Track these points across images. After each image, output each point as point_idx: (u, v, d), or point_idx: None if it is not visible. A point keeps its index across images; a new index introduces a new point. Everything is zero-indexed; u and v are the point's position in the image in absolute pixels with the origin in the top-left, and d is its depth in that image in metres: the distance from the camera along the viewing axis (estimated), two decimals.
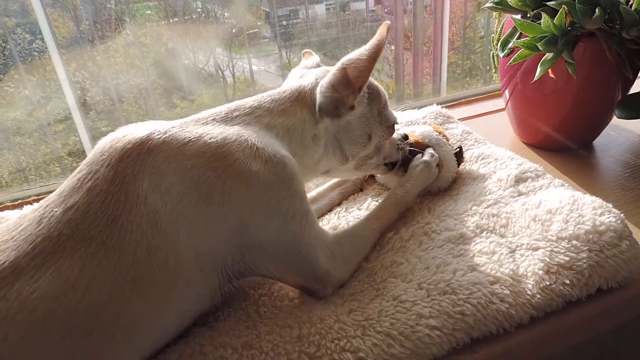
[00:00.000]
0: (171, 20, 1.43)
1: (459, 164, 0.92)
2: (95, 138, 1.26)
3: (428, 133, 0.90)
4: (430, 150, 0.87)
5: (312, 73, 0.75)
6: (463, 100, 1.48)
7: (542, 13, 0.80)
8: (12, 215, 0.89)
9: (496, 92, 1.52)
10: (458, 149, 0.91)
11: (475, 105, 1.45)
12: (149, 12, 1.42)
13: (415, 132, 0.91)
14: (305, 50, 0.85)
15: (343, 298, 0.66)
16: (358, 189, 0.95)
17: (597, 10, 0.78)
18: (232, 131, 0.62)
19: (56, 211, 0.52)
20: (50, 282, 0.49)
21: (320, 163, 0.76)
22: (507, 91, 1.14)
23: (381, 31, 0.67)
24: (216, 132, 0.61)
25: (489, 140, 1.08)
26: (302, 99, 0.71)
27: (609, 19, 0.84)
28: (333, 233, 0.72)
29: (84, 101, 1.31)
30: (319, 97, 0.70)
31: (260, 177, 0.60)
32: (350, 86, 0.69)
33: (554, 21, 0.80)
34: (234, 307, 0.65)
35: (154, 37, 1.43)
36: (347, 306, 0.64)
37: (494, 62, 1.22)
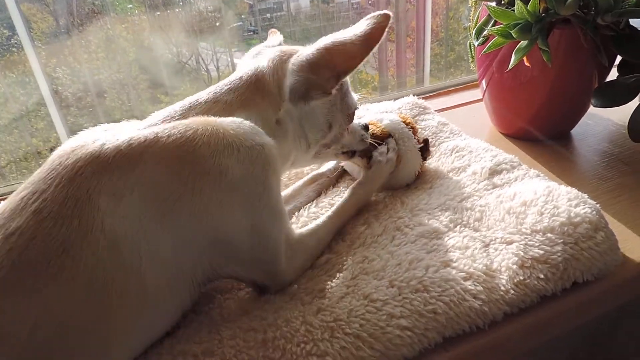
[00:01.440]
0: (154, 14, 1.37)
1: (425, 158, 0.89)
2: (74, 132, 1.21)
3: (395, 124, 0.87)
4: (392, 144, 0.85)
5: (267, 53, 0.69)
6: (442, 91, 1.46)
7: (516, 1, 0.78)
8: None
9: (475, 83, 1.50)
10: (423, 143, 0.88)
11: (454, 96, 1.43)
12: (130, 5, 1.37)
13: (383, 122, 0.88)
14: (272, 29, 0.80)
15: (311, 295, 0.63)
16: (333, 183, 0.92)
17: None
18: (196, 122, 0.56)
19: None
20: None
21: (290, 154, 0.71)
22: (483, 81, 1.11)
23: (379, 20, 0.62)
24: (175, 131, 0.54)
25: (466, 131, 1.06)
26: (260, 82, 0.65)
27: (584, 5, 0.82)
28: (298, 232, 0.69)
29: (64, 97, 1.27)
30: (290, 77, 0.65)
31: (232, 173, 0.55)
32: (333, 70, 0.64)
33: (528, 7, 0.78)
34: (197, 312, 0.62)
35: (135, 31, 1.38)
36: (315, 305, 0.61)
37: (471, 52, 1.20)
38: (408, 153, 0.84)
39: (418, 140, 0.88)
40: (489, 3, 0.94)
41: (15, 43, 1.16)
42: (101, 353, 0.49)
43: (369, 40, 0.62)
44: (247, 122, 0.60)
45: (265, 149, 0.58)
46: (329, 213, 0.75)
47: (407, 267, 0.64)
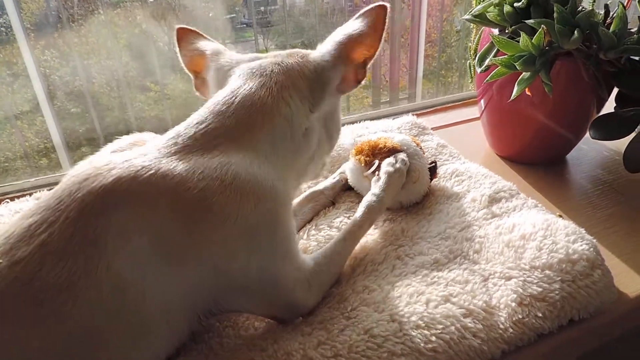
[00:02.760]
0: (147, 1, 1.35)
1: (431, 179, 0.90)
2: (63, 119, 1.19)
3: (407, 142, 0.88)
4: (401, 155, 0.85)
5: (269, 58, 0.67)
6: (439, 107, 1.46)
7: (521, 32, 0.78)
8: None
9: (472, 100, 1.51)
10: (433, 164, 0.90)
11: (451, 113, 1.44)
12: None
13: (394, 139, 0.88)
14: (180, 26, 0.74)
15: (312, 326, 0.63)
16: (330, 202, 0.92)
17: (575, 32, 0.76)
18: (213, 167, 0.53)
19: (0, 262, 0.45)
20: None
21: (311, 164, 0.70)
22: (482, 101, 1.12)
23: (377, 11, 0.64)
24: (194, 171, 0.52)
25: (463, 151, 1.07)
26: (289, 86, 0.63)
27: (587, 39, 0.83)
28: (311, 259, 0.67)
29: (51, 80, 1.25)
30: (326, 72, 0.65)
31: (247, 221, 0.54)
32: (353, 61, 0.67)
33: (533, 40, 0.78)
34: (196, 341, 0.62)
35: (127, 17, 1.36)
36: (315, 337, 0.61)
37: (470, 72, 1.21)
38: (420, 170, 0.85)
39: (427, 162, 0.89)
40: (494, 31, 0.94)
41: (4, 23, 1.14)
42: None
43: (377, 30, 0.64)
44: (257, 167, 0.57)
45: (278, 189, 0.58)
46: (343, 234, 0.73)
47: (407, 301, 0.64)
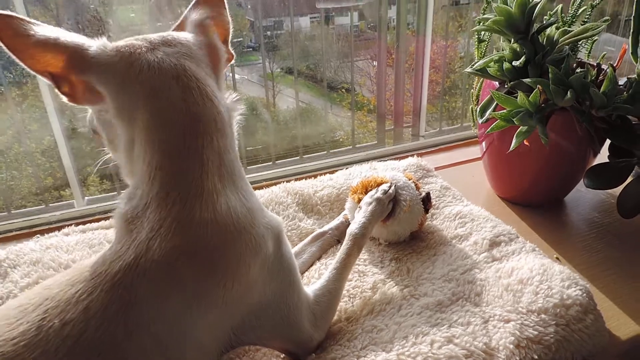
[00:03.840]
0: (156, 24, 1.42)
1: (427, 210, 0.96)
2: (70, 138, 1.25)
3: (397, 176, 0.97)
4: (383, 187, 0.92)
5: (162, 51, 0.59)
6: (442, 147, 1.53)
7: (519, 91, 0.86)
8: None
9: (475, 140, 1.58)
10: (425, 194, 0.96)
11: (454, 152, 1.51)
12: (132, 15, 1.41)
13: (386, 176, 0.97)
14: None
15: None
16: (336, 241, 0.98)
17: (569, 92, 0.83)
18: (224, 215, 0.58)
19: (55, 322, 0.50)
20: None
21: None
22: (484, 144, 1.19)
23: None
24: (201, 236, 0.56)
25: (466, 191, 1.13)
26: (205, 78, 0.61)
27: (580, 96, 0.90)
28: (311, 291, 0.74)
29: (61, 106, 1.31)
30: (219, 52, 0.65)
31: (265, 260, 0.62)
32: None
33: (530, 98, 0.85)
34: None
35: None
36: None
37: (473, 117, 1.28)
38: (411, 200, 0.92)
39: (420, 193, 0.95)
40: (495, 83, 1.02)
41: None
42: None
43: (221, 10, 0.66)
44: (251, 213, 0.62)
45: (274, 228, 0.65)
46: (335, 267, 0.79)
47: (413, 341, 0.69)
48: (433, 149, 1.53)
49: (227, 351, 0.64)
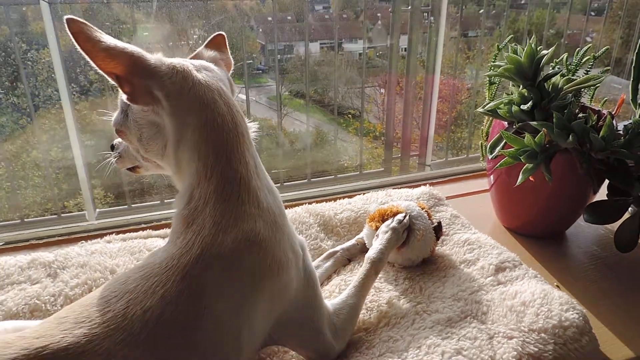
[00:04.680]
0: (168, 44, 1.51)
1: (438, 238, 1.05)
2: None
3: (411, 206, 1.05)
4: (398, 216, 1.01)
5: (205, 75, 0.73)
6: (452, 178, 1.63)
7: (526, 132, 0.96)
8: None
9: (481, 172, 1.68)
10: (437, 224, 1.05)
11: (463, 184, 1.61)
12: (146, 33, 1.51)
13: (401, 205, 1.05)
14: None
15: None
16: (346, 260, 1.08)
17: (571, 136, 0.93)
18: (265, 211, 0.69)
19: (137, 310, 0.59)
20: None
21: None
22: (492, 177, 1.29)
23: (218, 38, 0.83)
24: (254, 229, 0.67)
25: (473, 221, 1.22)
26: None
27: (582, 139, 1.00)
28: (331, 305, 0.83)
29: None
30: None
31: (298, 259, 0.74)
32: None
33: (535, 139, 0.95)
34: None
35: None
36: None
37: (482, 151, 1.38)
38: (424, 229, 1.01)
39: (432, 222, 1.04)
40: (504, 123, 1.12)
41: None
42: None
43: (224, 51, 0.83)
44: (282, 214, 0.74)
45: (299, 239, 0.78)
46: (355, 286, 0.88)
47: (426, 351, 0.78)
48: (441, 179, 1.62)
49: (262, 348, 0.73)
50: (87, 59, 0.64)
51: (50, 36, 1.23)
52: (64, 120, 1.29)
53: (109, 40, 0.64)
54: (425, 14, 1.75)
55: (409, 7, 1.72)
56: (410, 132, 1.99)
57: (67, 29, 0.63)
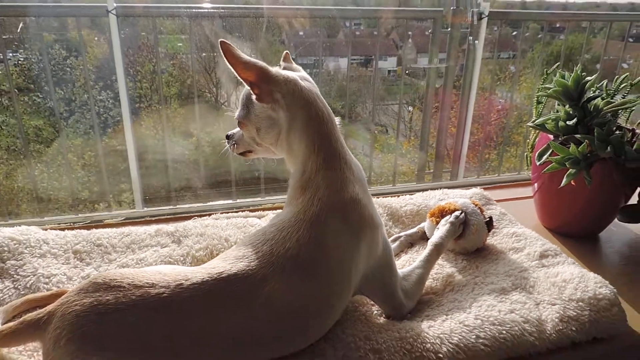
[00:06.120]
0: (200, 55, 1.71)
1: (489, 230, 1.25)
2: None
3: (466, 204, 1.25)
4: (455, 213, 1.22)
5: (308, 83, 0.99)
6: (497, 185, 1.83)
7: (571, 143, 1.16)
8: None
9: (522, 182, 1.87)
10: (489, 219, 1.25)
11: (507, 190, 1.81)
12: (180, 44, 1.73)
13: (458, 203, 1.26)
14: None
15: (420, 318, 0.99)
16: (409, 244, 1.30)
17: (609, 147, 1.13)
18: (357, 178, 0.95)
19: (281, 249, 0.84)
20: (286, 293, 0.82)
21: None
22: (536, 184, 1.48)
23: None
24: (355, 190, 0.91)
25: (518, 221, 1.42)
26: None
27: (617, 150, 1.19)
28: (400, 272, 1.03)
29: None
30: None
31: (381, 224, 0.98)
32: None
33: (579, 149, 1.16)
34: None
35: (181, 68, 1.67)
36: (425, 324, 0.96)
37: (527, 161, 1.58)
38: (477, 224, 1.21)
39: (484, 217, 1.24)
40: (550, 136, 1.33)
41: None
42: (332, 318, 0.89)
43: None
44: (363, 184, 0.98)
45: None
46: (421, 258, 1.09)
47: (486, 308, 0.99)
48: (489, 185, 1.83)
49: (353, 295, 0.95)
50: (232, 69, 0.90)
51: (115, 47, 1.43)
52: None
53: (245, 56, 0.90)
54: (465, 37, 1.87)
55: (449, 29, 1.88)
56: (444, 147, 2.15)
57: (219, 48, 0.88)
